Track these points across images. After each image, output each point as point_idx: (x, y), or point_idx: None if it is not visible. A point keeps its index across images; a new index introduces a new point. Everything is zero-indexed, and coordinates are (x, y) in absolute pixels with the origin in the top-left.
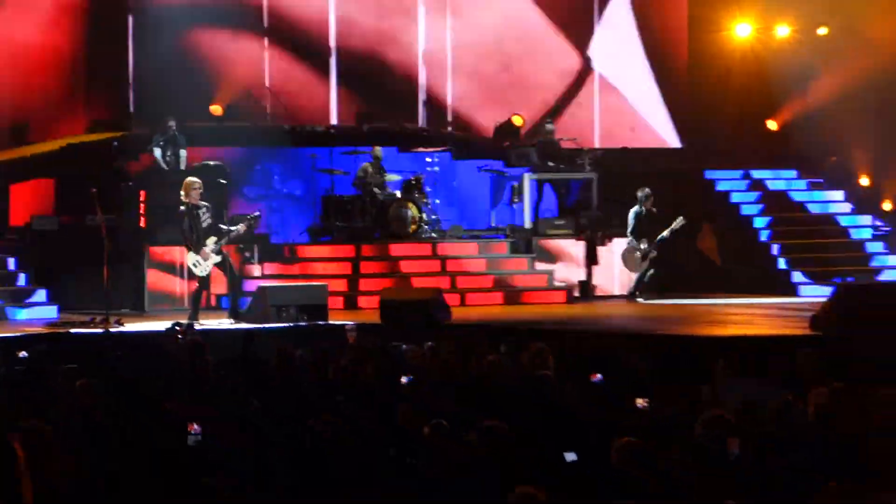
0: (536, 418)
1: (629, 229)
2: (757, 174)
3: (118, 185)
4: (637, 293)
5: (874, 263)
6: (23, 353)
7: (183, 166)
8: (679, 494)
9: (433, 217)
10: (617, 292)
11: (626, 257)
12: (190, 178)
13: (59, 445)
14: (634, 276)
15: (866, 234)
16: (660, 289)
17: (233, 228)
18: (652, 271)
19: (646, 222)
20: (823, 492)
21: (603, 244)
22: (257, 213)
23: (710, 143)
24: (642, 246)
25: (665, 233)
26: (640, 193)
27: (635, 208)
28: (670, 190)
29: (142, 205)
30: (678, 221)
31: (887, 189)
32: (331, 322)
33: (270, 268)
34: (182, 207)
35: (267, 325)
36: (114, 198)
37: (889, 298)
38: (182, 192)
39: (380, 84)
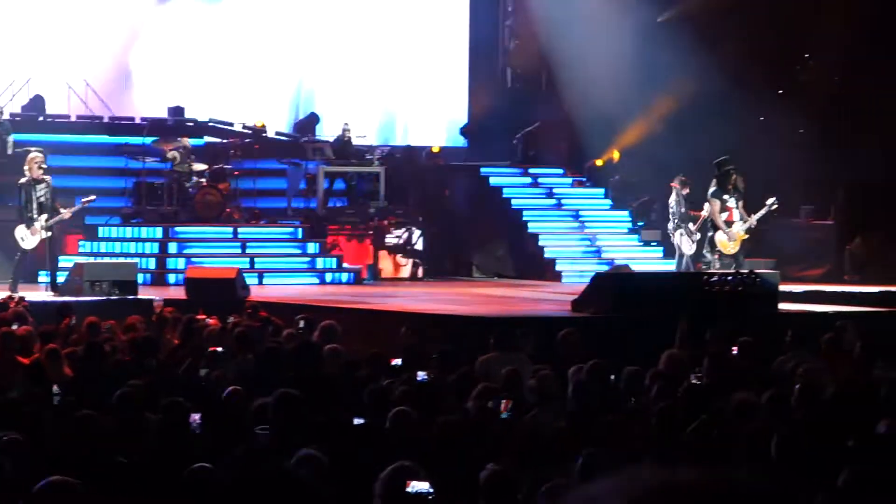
0: (324, 386)
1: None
2: (527, 171)
3: None
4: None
5: (629, 253)
6: None
7: (10, 151)
8: (451, 454)
9: (236, 203)
10: (401, 275)
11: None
12: (32, 154)
13: None
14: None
15: (623, 227)
16: None
17: (63, 210)
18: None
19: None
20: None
21: (388, 231)
22: (93, 197)
23: (487, 143)
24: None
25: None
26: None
27: (674, 196)
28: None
29: None
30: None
31: (639, 187)
32: (140, 297)
33: (87, 245)
34: (22, 180)
35: (82, 298)
36: None
37: (640, 286)
38: (25, 167)
39: None
